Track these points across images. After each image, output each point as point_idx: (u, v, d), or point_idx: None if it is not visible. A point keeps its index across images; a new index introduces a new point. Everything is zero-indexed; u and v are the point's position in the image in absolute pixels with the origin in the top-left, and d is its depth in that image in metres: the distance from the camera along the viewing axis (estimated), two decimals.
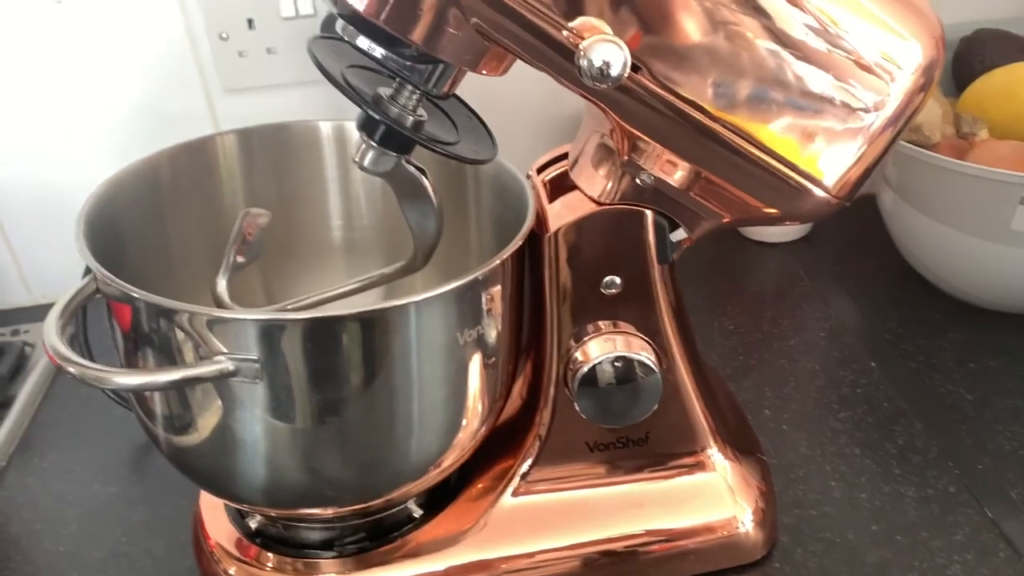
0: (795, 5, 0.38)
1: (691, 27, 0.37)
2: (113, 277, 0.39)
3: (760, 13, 0.37)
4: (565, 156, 0.50)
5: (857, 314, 0.71)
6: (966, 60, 0.72)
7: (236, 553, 0.50)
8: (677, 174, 0.43)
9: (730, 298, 0.73)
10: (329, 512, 0.47)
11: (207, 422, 0.42)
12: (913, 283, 0.72)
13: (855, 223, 0.77)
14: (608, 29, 0.36)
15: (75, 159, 0.75)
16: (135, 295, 0.39)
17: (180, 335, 0.39)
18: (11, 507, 0.59)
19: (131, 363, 0.43)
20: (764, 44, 0.38)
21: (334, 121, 0.52)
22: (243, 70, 0.72)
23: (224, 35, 0.71)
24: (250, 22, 0.70)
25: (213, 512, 0.52)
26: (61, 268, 0.80)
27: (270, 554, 0.49)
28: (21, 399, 0.68)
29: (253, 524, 0.50)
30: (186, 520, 0.57)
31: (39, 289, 0.81)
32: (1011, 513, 0.53)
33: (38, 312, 0.79)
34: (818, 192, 0.42)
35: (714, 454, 0.50)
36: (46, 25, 0.69)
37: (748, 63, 0.38)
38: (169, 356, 0.41)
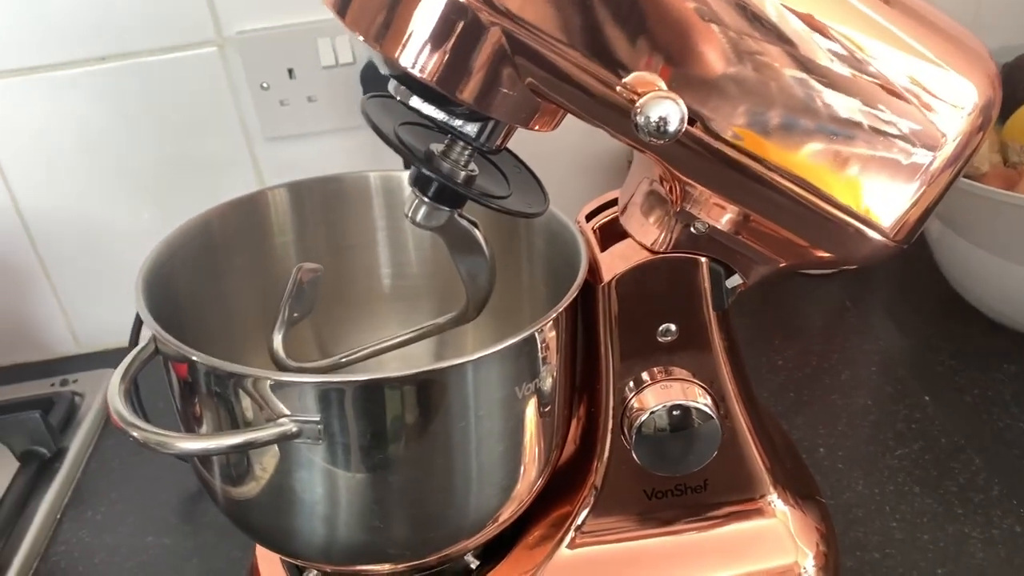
0: (854, 54, 0.37)
1: (747, 78, 0.37)
2: (175, 341, 0.40)
3: (813, 62, 0.37)
4: (613, 202, 0.50)
5: (908, 346, 0.70)
6: (1010, 86, 0.70)
7: None
8: (730, 220, 0.43)
9: (777, 331, 0.73)
10: (386, 568, 0.47)
11: (266, 480, 0.42)
12: (963, 312, 0.71)
13: (902, 253, 0.76)
14: (662, 83, 0.36)
15: (119, 207, 0.76)
16: (195, 358, 0.39)
17: (241, 396, 0.40)
18: (68, 561, 0.60)
19: (188, 418, 0.44)
20: (823, 90, 0.38)
21: (383, 172, 0.53)
22: (284, 118, 0.73)
23: (265, 85, 0.72)
24: (291, 71, 0.71)
25: (269, 564, 0.52)
26: (107, 316, 0.81)
27: None
28: (73, 450, 0.68)
29: None
30: (239, 572, 0.57)
31: (86, 338, 0.82)
32: None
33: (86, 361, 0.80)
34: (875, 236, 0.41)
35: (773, 500, 0.50)
36: (91, 78, 0.71)
37: (807, 111, 0.38)
38: (229, 414, 0.41)
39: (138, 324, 0.60)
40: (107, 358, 0.79)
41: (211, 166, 0.76)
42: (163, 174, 0.76)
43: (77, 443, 0.69)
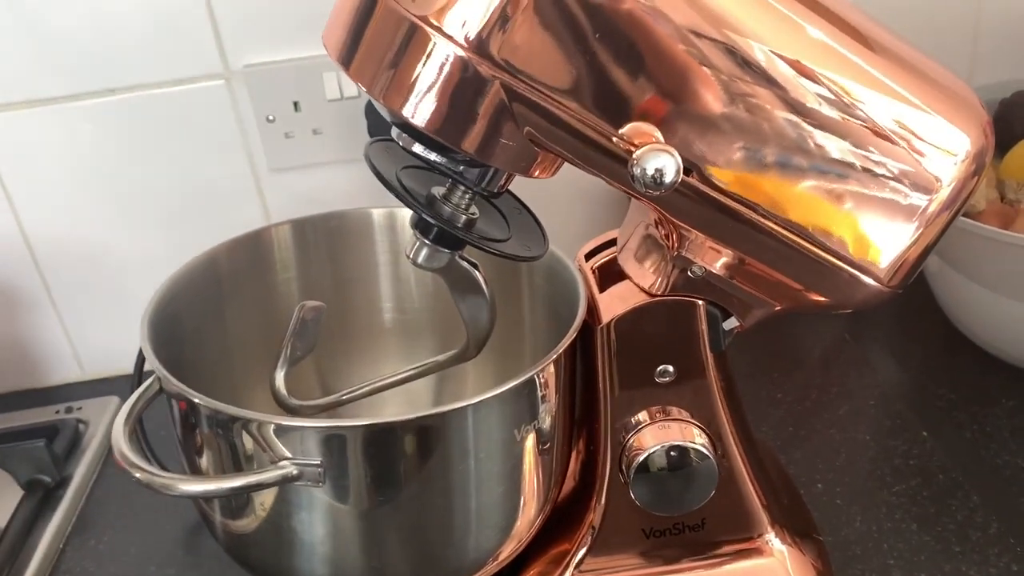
0: (849, 106, 0.38)
1: (741, 128, 0.38)
2: (179, 383, 0.41)
3: (802, 108, 0.38)
4: (612, 242, 0.50)
5: (906, 380, 0.71)
6: (1007, 122, 0.72)
7: None
8: (726, 264, 0.43)
9: (777, 365, 0.73)
10: None
11: (266, 519, 0.43)
12: (961, 347, 0.72)
13: None
14: (659, 134, 0.37)
15: (125, 236, 0.77)
16: (198, 401, 0.40)
17: (243, 437, 0.40)
18: None
19: (191, 454, 0.44)
20: (816, 137, 0.38)
21: (385, 208, 0.54)
22: (289, 150, 0.74)
23: (271, 117, 0.73)
24: (296, 104, 0.72)
25: None
26: (111, 343, 0.81)
27: None
28: (76, 479, 0.69)
29: None
30: None
31: (90, 365, 0.83)
32: None
33: (90, 388, 0.81)
34: (869, 281, 0.42)
35: (771, 539, 0.50)
36: (101, 109, 0.72)
37: (801, 159, 0.39)
38: (231, 453, 0.42)
39: (141, 359, 0.61)
40: (112, 385, 0.80)
41: (217, 196, 0.76)
42: (169, 204, 0.76)
43: (81, 471, 0.70)
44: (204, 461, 0.43)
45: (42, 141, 0.73)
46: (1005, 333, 0.67)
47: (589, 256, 0.51)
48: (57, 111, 0.72)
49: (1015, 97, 0.73)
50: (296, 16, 0.70)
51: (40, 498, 0.67)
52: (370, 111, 0.72)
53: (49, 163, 0.74)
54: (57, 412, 0.76)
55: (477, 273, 0.45)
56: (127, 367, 0.81)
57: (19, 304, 0.79)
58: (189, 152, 0.75)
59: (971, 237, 0.62)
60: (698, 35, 0.36)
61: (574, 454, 0.51)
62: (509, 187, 0.44)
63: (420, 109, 0.37)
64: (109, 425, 0.74)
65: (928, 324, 0.75)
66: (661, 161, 0.36)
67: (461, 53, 0.36)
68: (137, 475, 0.39)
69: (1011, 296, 0.62)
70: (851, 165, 0.39)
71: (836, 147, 0.39)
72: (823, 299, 0.43)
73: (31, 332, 0.80)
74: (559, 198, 0.78)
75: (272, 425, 0.39)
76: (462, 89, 0.37)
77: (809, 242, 0.41)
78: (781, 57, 0.37)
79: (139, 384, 0.59)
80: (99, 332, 0.81)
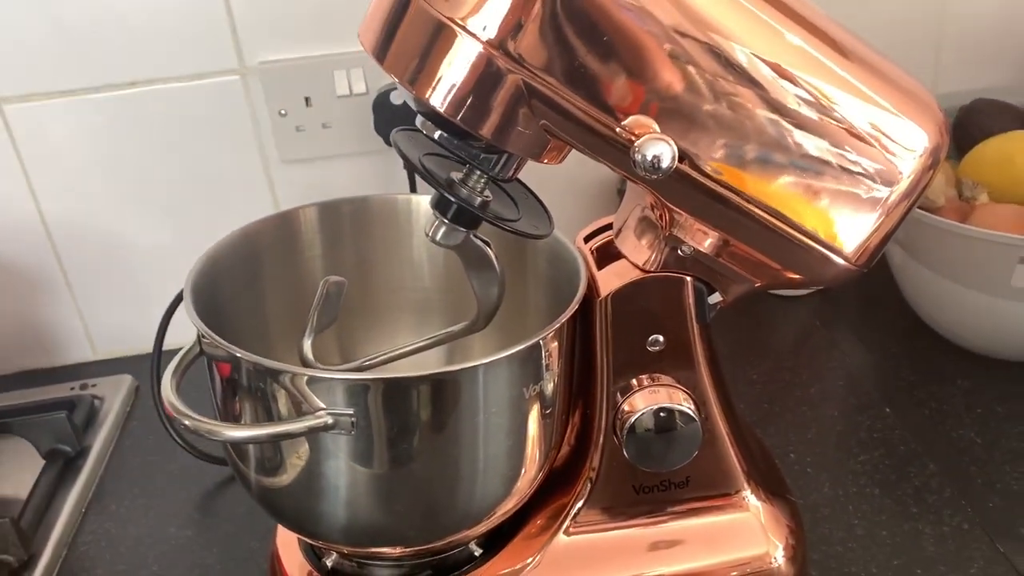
0: (824, 106, 0.43)
1: (726, 121, 0.43)
2: (222, 340, 0.45)
3: (782, 105, 0.43)
4: (608, 227, 0.56)
5: (871, 363, 0.76)
6: (965, 128, 0.78)
7: None
8: (712, 244, 0.48)
9: (752, 349, 0.79)
10: (397, 551, 0.52)
11: (297, 468, 0.47)
12: (922, 334, 0.78)
13: (867, 277, 0.82)
14: (656, 126, 0.42)
15: (139, 222, 0.81)
16: (239, 355, 0.45)
17: (279, 391, 0.45)
18: (95, 550, 0.64)
19: (229, 414, 0.49)
20: (792, 131, 0.44)
21: (405, 195, 0.58)
22: (299, 143, 0.79)
23: (283, 111, 0.77)
24: (307, 100, 0.77)
25: (288, 551, 0.56)
26: (123, 325, 0.85)
27: None
28: (95, 450, 0.73)
29: (329, 562, 0.55)
30: (258, 560, 0.62)
31: (102, 346, 0.86)
32: (1021, 549, 0.57)
33: (103, 367, 0.84)
34: (839, 260, 0.47)
35: (748, 495, 0.55)
36: (121, 101, 0.76)
37: (779, 150, 0.44)
38: (266, 410, 0.46)
39: (163, 330, 0.64)
40: (123, 365, 0.84)
41: (229, 186, 0.81)
42: (182, 192, 0.80)
43: (99, 443, 0.73)
44: (243, 417, 0.47)
45: (63, 131, 0.76)
46: (960, 320, 0.72)
47: (588, 239, 0.56)
48: (79, 102, 0.76)
49: (974, 104, 0.79)
50: (310, 16, 0.75)
51: (61, 467, 0.71)
52: (378, 107, 0.77)
53: (69, 152, 0.77)
54: (72, 389, 0.80)
55: (489, 250, 0.50)
56: (138, 348, 0.86)
57: (37, 287, 0.82)
58: (203, 144, 0.79)
59: (932, 230, 0.68)
60: (687, 38, 0.41)
61: (571, 426, 0.55)
62: (518, 175, 0.49)
63: (446, 98, 0.42)
64: (124, 400, 0.79)
65: (892, 312, 0.81)
66: (659, 148, 0.41)
67: (483, 50, 0.41)
68: (186, 422, 0.43)
69: (967, 285, 0.68)
70: (823, 159, 0.44)
71: (810, 143, 0.44)
72: (798, 276, 0.48)
73: (47, 314, 0.84)
74: (554, 192, 0.83)
75: (305, 376, 0.43)
76: (483, 81, 0.41)
77: (787, 224, 0.46)
78: (762, 60, 0.42)
79: (159, 356, 0.64)
80: (111, 315, 0.85)
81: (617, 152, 0.43)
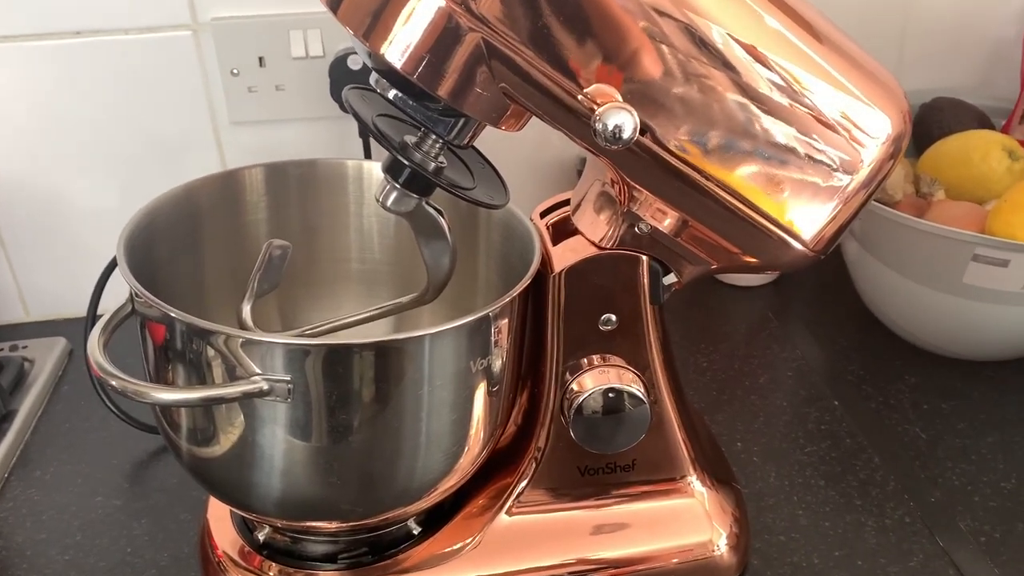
0: (790, 85, 0.42)
1: (692, 98, 0.42)
2: (155, 299, 0.43)
3: (750, 87, 0.42)
4: (565, 203, 0.54)
5: (822, 356, 0.76)
6: (925, 125, 0.78)
7: (242, 563, 0.52)
8: (671, 224, 0.47)
9: (704, 337, 0.78)
10: (333, 526, 0.50)
11: (230, 437, 0.45)
12: (874, 328, 0.78)
13: (821, 270, 0.82)
14: (619, 96, 0.41)
15: (80, 181, 0.78)
16: (173, 315, 0.42)
17: (214, 355, 0.43)
18: (16, 518, 0.61)
19: (161, 378, 0.46)
20: (758, 114, 0.43)
21: (355, 160, 0.56)
22: (251, 104, 0.76)
23: (235, 71, 0.74)
24: (261, 60, 0.74)
25: (220, 524, 0.55)
26: (58, 288, 0.82)
27: (275, 564, 0.52)
28: (22, 413, 0.70)
29: (260, 536, 0.53)
30: (189, 533, 0.59)
31: (36, 308, 0.83)
32: (960, 543, 0.58)
33: (35, 329, 0.81)
34: (797, 246, 0.46)
35: (693, 481, 0.54)
36: (65, 51, 0.72)
37: (743, 131, 0.43)
38: (199, 374, 0.44)
39: (98, 292, 0.62)
40: (57, 327, 0.81)
41: (175, 146, 0.78)
42: (127, 151, 0.77)
43: (27, 406, 0.70)
44: (176, 383, 0.45)
45: (2, 79, 0.73)
46: (912, 316, 0.73)
47: (544, 215, 0.55)
48: (20, 49, 0.72)
49: (934, 102, 0.79)
50: None
51: None
52: (334, 71, 0.74)
53: (8, 102, 0.74)
54: (1, 349, 0.77)
55: (442, 219, 0.48)
56: (73, 311, 0.83)
57: None
58: (151, 101, 0.76)
59: (888, 223, 0.67)
60: (660, 13, 0.40)
61: (517, 407, 0.54)
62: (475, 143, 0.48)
63: (403, 54, 0.40)
64: (56, 364, 0.76)
65: (845, 306, 0.81)
66: (621, 118, 0.40)
67: (444, 5, 0.39)
68: (113, 382, 0.40)
69: (919, 280, 0.68)
70: (789, 145, 0.43)
71: (778, 128, 0.43)
72: (755, 260, 0.48)
73: None
74: (513, 170, 0.82)
75: (241, 339, 0.41)
76: (443, 38, 0.40)
77: (747, 206, 0.45)
78: (738, 41, 0.41)
79: (93, 318, 0.61)
80: (48, 277, 0.82)
81: (577, 121, 0.42)
